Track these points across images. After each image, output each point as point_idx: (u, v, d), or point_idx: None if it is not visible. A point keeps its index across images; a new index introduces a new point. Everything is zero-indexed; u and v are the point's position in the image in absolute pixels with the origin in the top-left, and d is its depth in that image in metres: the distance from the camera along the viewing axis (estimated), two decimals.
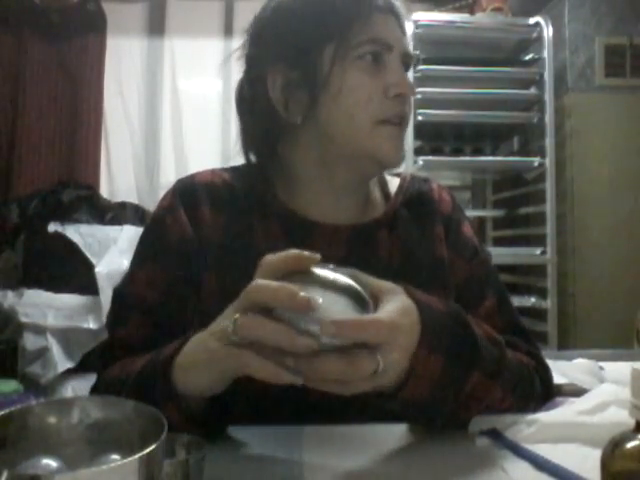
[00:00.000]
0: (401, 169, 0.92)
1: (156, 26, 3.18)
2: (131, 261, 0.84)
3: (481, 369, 0.64)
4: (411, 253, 0.85)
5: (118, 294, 0.83)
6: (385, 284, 0.61)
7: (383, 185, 0.92)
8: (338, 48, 0.77)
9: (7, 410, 0.45)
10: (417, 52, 2.45)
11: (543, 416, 0.68)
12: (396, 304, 0.58)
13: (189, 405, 0.63)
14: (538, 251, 2.50)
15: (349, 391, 0.56)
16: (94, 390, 0.77)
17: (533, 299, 2.50)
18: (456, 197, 0.95)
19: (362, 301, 0.56)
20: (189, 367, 0.62)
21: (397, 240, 0.85)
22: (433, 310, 0.62)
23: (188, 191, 0.84)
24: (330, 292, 0.55)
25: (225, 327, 0.57)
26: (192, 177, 0.86)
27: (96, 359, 0.86)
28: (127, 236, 2.57)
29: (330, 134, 0.80)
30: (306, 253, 0.57)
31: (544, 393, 0.77)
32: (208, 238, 0.81)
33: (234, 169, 0.89)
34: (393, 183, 0.92)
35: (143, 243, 0.85)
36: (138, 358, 0.71)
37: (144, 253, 0.84)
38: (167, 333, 0.74)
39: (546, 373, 0.80)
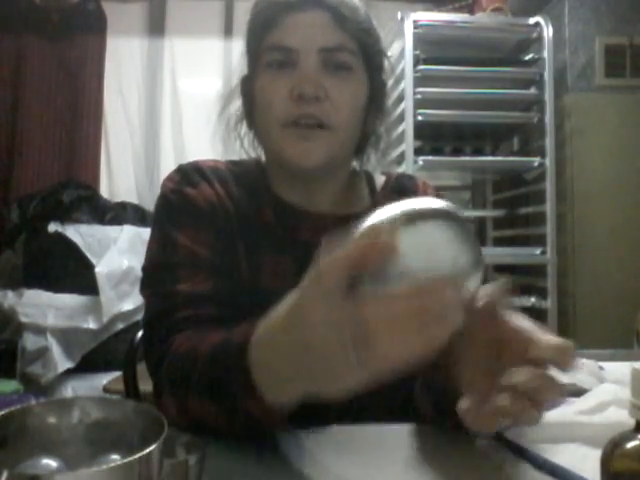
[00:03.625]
0: (401, 169, 0.93)
1: (156, 26, 3.19)
2: (158, 233, 0.81)
3: None
4: None
5: (155, 263, 0.80)
6: None
7: (370, 182, 0.94)
8: (252, 55, 0.84)
9: (7, 410, 0.45)
10: (417, 52, 2.45)
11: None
12: None
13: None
14: (538, 251, 2.50)
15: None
16: (160, 368, 0.70)
17: (533, 299, 2.50)
18: (452, 197, 0.96)
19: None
20: (296, 371, 0.51)
21: None
22: None
23: (197, 170, 0.86)
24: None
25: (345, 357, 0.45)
26: (196, 161, 0.89)
27: (143, 336, 0.80)
28: (127, 236, 2.57)
29: (260, 137, 0.87)
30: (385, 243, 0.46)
31: None
32: (229, 209, 0.84)
33: (233, 162, 0.92)
34: (380, 180, 0.95)
35: (169, 213, 0.82)
36: (209, 334, 0.66)
37: (176, 220, 0.81)
38: (227, 287, 0.76)
39: None
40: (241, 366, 0.57)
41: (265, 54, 0.81)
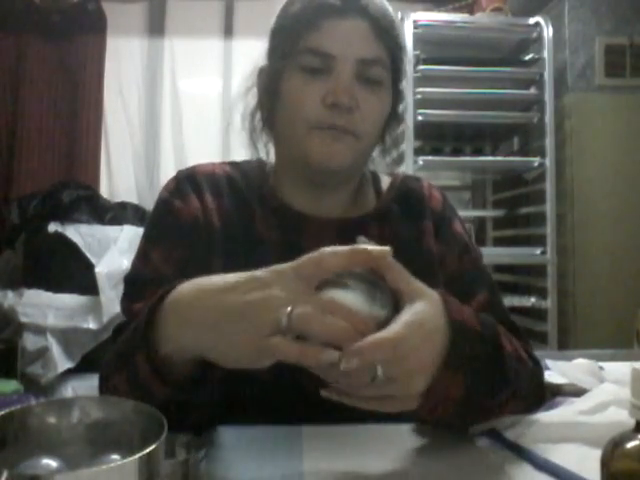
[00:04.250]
0: (401, 169, 0.93)
1: (156, 26, 3.19)
2: (141, 245, 0.84)
3: (507, 390, 0.65)
4: (400, 247, 0.85)
5: (131, 276, 0.83)
6: (417, 285, 0.59)
7: (376, 183, 0.94)
8: (286, 56, 0.81)
9: (7, 410, 0.45)
10: (417, 52, 2.45)
11: (543, 416, 0.68)
12: (413, 315, 0.56)
13: (168, 362, 0.60)
14: (538, 251, 2.50)
15: (359, 404, 0.56)
16: (105, 363, 0.74)
17: (533, 299, 2.50)
18: (452, 197, 0.96)
19: (373, 288, 0.56)
20: (194, 322, 0.57)
21: (387, 235, 0.86)
22: (467, 329, 0.60)
23: (191, 179, 0.86)
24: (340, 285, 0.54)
25: (276, 320, 0.52)
26: (193, 167, 0.89)
27: (104, 351, 0.84)
28: (127, 236, 2.57)
29: (280, 136, 0.86)
30: (376, 249, 0.56)
31: (539, 395, 0.77)
32: (213, 224, 0.83)
33: (234, 164, 0.92)
34: (385, 181, 0.94)
35: (153, 226, 0.86)
36: None
37: (156, 234, 0.84)
38: None
39: (541, 372, 0.80)
40: (152, 314, 0.60)
41: (301, 56, 0.79)
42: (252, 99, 0.88)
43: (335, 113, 0.78)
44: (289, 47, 0.81)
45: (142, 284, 0.80)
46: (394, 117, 0.89)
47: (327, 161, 0.79)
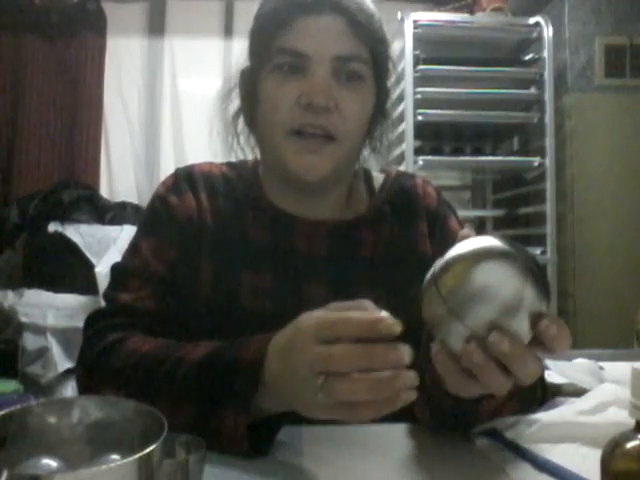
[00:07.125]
0: (401, 168, 0.91)
1: (156, 26, 3.18)
2: (133, 238, 0.84)
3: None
4: (393, 251, 0.84)
5: (119, 265, 0.82)
6: None
7: (369, 181, 0.92)
8: (262, 57, 0.79)
9: (7, 410, 0.45)
10: (417, 52, 2.45)
11: (543, 416, 0.68)
12: None
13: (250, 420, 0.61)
14: (538, 251, 2.50)
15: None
16: (102, 359, 0.71)
17: None
18: (452, 197, 0.94)
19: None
20: (283, 394, 0.59)
21: (379, 238, 0.85)
22: None
23: (189, 177, 0.86)
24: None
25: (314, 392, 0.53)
26: (191, 166, 0.89)
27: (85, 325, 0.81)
28: (127, 236, 2.56)
29: (261, 141, 0.84)
30: (386, 322, 0.52)
31: (540, 393, 0.77)
32: (206, 224, 0.83)
33: (231, 164, 0.91)
34: (379, 179, 0.92)
35: (146, 219, 0.86)
36: (194, 346, 0.66)
37: (148, 228, 0.84)
38: (174, 306, 0.77)
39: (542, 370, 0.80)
40: (251, 380, 0.59)
41: (275, 56, 0.77)
42: (235, 102, 0.87)
43: (310, 114, 0.75)
44: (263, 48, 0.79)
45: (128, 274, 0.80)
46: (380, 113, 0.86)
47: (304, 173, 0.77)
